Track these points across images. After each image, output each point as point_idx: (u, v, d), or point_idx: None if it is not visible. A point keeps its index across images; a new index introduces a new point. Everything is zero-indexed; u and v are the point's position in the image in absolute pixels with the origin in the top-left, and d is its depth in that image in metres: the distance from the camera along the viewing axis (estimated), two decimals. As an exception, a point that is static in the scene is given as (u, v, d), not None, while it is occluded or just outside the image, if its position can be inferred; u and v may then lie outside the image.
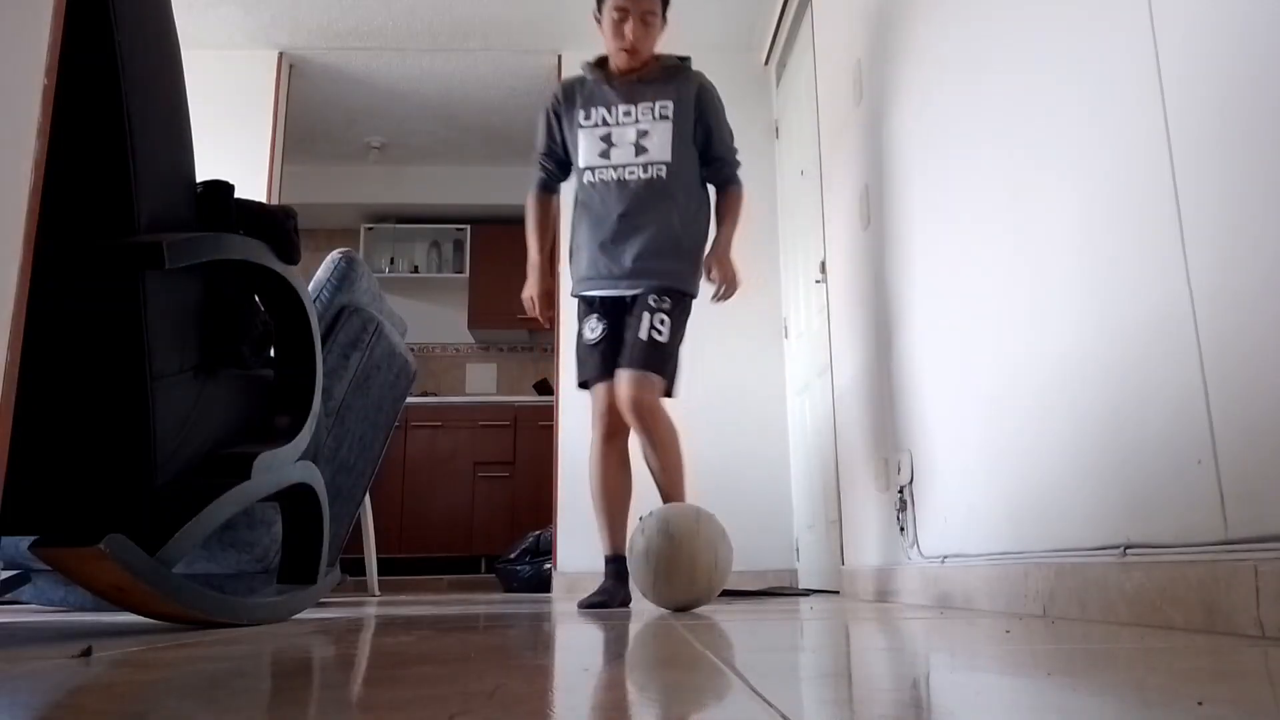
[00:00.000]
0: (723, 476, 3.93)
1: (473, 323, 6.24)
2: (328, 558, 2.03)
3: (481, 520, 5.57)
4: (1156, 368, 1.34)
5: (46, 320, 1.45)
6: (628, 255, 2.64)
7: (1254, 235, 1.13)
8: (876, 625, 1.56)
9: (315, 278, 2.47)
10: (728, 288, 2.75)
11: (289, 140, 4.89)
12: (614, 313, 2.68)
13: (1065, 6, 1.62)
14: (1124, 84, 1.42)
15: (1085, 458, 1.53)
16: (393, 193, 6.24)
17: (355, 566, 3.94)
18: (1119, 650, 1.01)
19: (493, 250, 6.18)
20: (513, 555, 4.84)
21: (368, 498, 3.36)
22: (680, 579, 2.14)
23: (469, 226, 6.36)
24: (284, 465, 1.80)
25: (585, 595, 2.54)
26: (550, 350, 5.72)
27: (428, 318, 6.46)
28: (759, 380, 4.25)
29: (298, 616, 2.02)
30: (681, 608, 2.18)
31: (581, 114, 2.76)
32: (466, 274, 6.33)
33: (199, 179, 1.74)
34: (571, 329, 2.86)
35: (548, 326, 3.04)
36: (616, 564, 2.54)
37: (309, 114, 5.28)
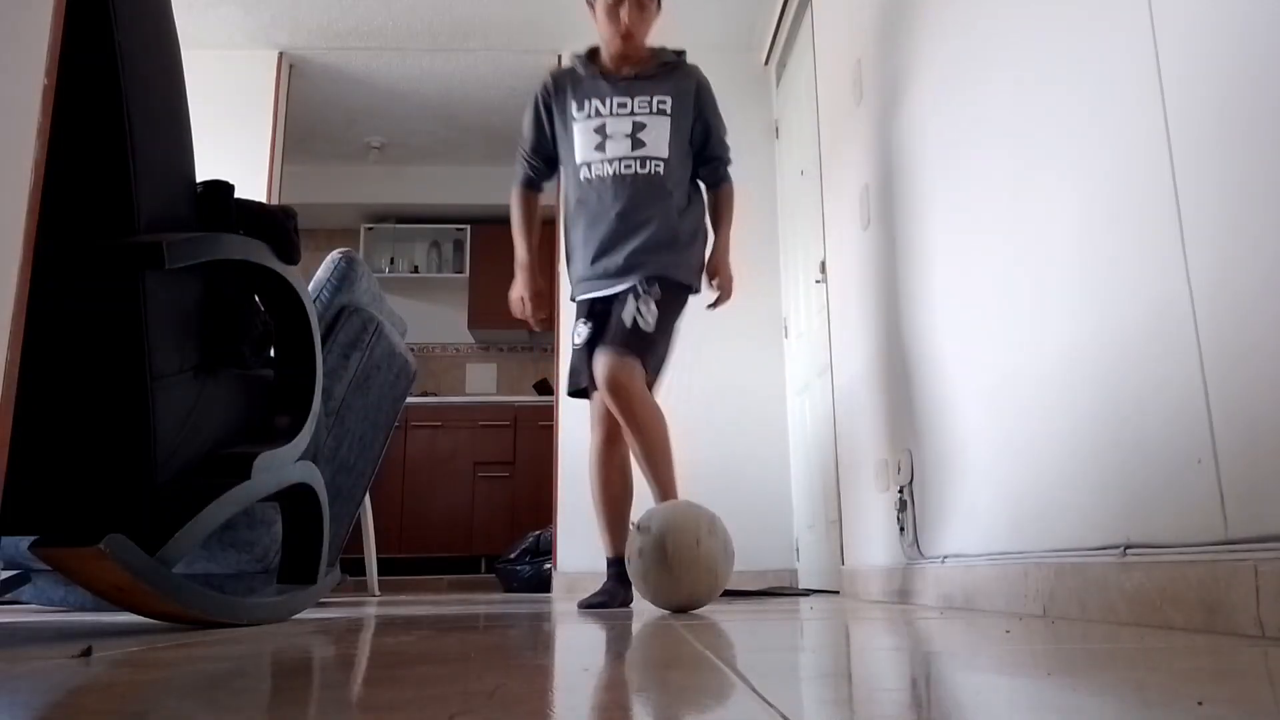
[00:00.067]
0: (723, 476, 3.93)
1: (473, 323, 6.24)
2: (328, 558, 2.03)
3: (481, 520, 5.57)
4: (1156, 367, 1.34)
5: (46, 320, 1.45)
6: (623, 253, 2.56)
7: (1254, 235, 1.13)
8: (876, 625, 1.56)
9: (315, 278, 2.47)
10: (725, 294, 2.73)
11: (289, 140, 4.89)
12: (605, 314, 2.59)
13: (1065, 6, 1.62)
14: (1124, 84, 1.42)
15: (1085, 457, 1.53)
16: (393, 193, 6.24)
17: (355, 566, 3.94)
18: (1119, 650, 1.01)
19: (493, 250, 6.18)
20: (513, 555, 4.84)
21: (368, 498, 3.37)
22: (680, 594, 2.12)
23: (469, 226, 6.36)
24: (284, 465, 1.80)
25: (586, 595, 2.54)
26: (550, 350, 5.72)
27: (428, 318, 6.46)
28: (759, 380, 4.25)
29: (298, 616, 2.02)
30: (682, 609, 2.18)
31: (574, 106, 2.65)
32: (466, 274, 6.33)
33: (199, 179, 1.74)
34: (571, 328, 2.82)
35: (538, 329, 2.96)
36: (618, 566, 2.51)
37: (309, 114, 5.28)
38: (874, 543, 2.71)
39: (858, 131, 2.92)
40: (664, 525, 2.13)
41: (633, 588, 2.29)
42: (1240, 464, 1.16)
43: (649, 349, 2.49)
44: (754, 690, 0.75)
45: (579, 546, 4.01)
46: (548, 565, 4.49)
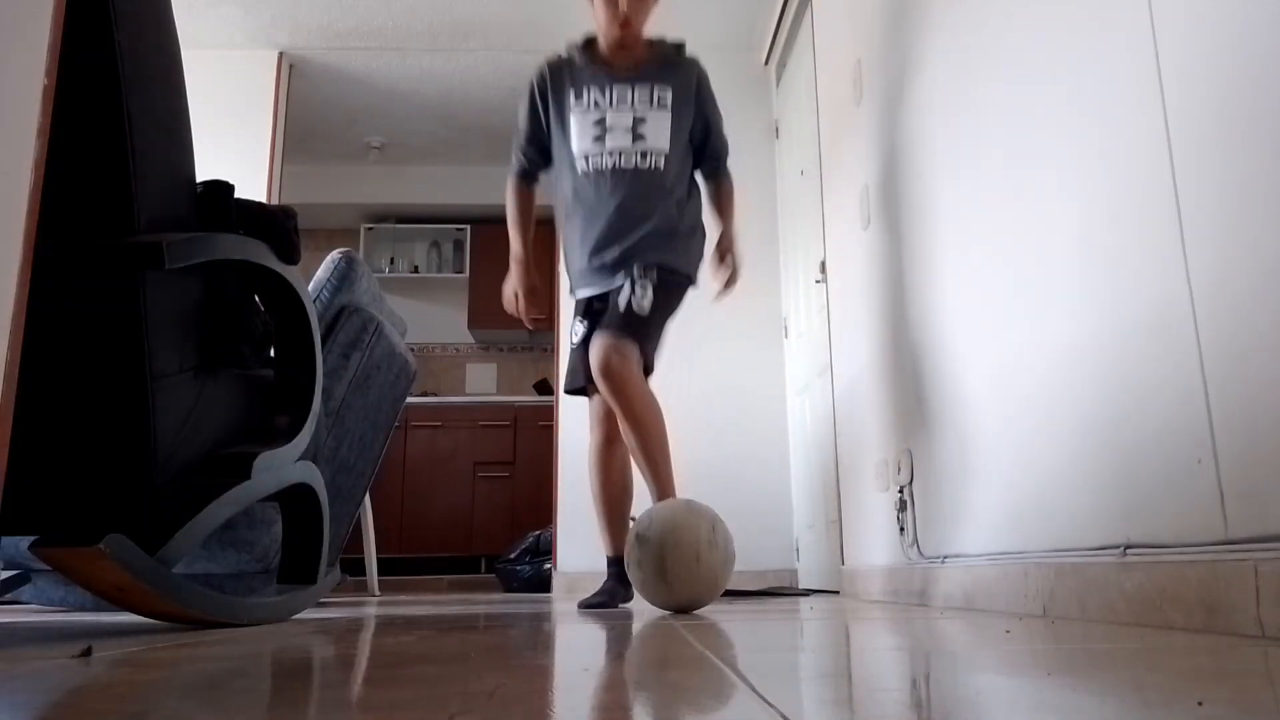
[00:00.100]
0: (723, 476, 3.94)
1: (473, 323, 6.25)
2: (328, 558, 2.03)
3: (481, 520, 5.57)
4: (1156, 367, 1.34)
5: (47, 320, 1.45)
6: (621, 247, 2.51)
7: (1253, 234, 1.13)
8: (876, 625, 1.56)
9: (315, 278, 2.47)
10: (735, 274, 2.70)
11: (289, 140, 4.89)
12: (602, 312, 2.55)
13: (1065, 6, 1.62)
14: (1124, 83, 1.42)
15: (1085, 457, 1.53)
16: (393, 193, 6.25)
17: (355, 566, 3.94)
18: (1119, 650, 1.01)
19: (493, 250, 6.18)
20: (513, 555, 4.84)
21: (368, 498, 3.37)
22: (679, 603, 2.11)
23: (469, 226, 6.37)
24: (284, 465, 1.80)
25: (586, 595, 2.54)
26: (550, 350, 5.72)
27: (428, 318, 6.46)
28: (759, 380, 4.25)
29: (298, 616, 2.02)
30: (682, 610, 2.18)
31: (572, 94, 2.58)
32: (466, 274, 6.33)
33: (199, 179, 1.74)
34: (569, 326, 2.77)
35: (531, 327, 2.88)
36: (618, 565, 2.50)
37: (309, 114, 5.28)
38: (874, 543, 2.71)
39: (858, 131, 2.92)
40: (662, 538, 2.07)
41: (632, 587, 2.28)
42: (1240, 464, 1.16)
43: (645, 333, 2.44)
44: (754, 690, 0.75)
45: (579, 546, 4.01)
46: (548, 565, 4.49)
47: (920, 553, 2.28)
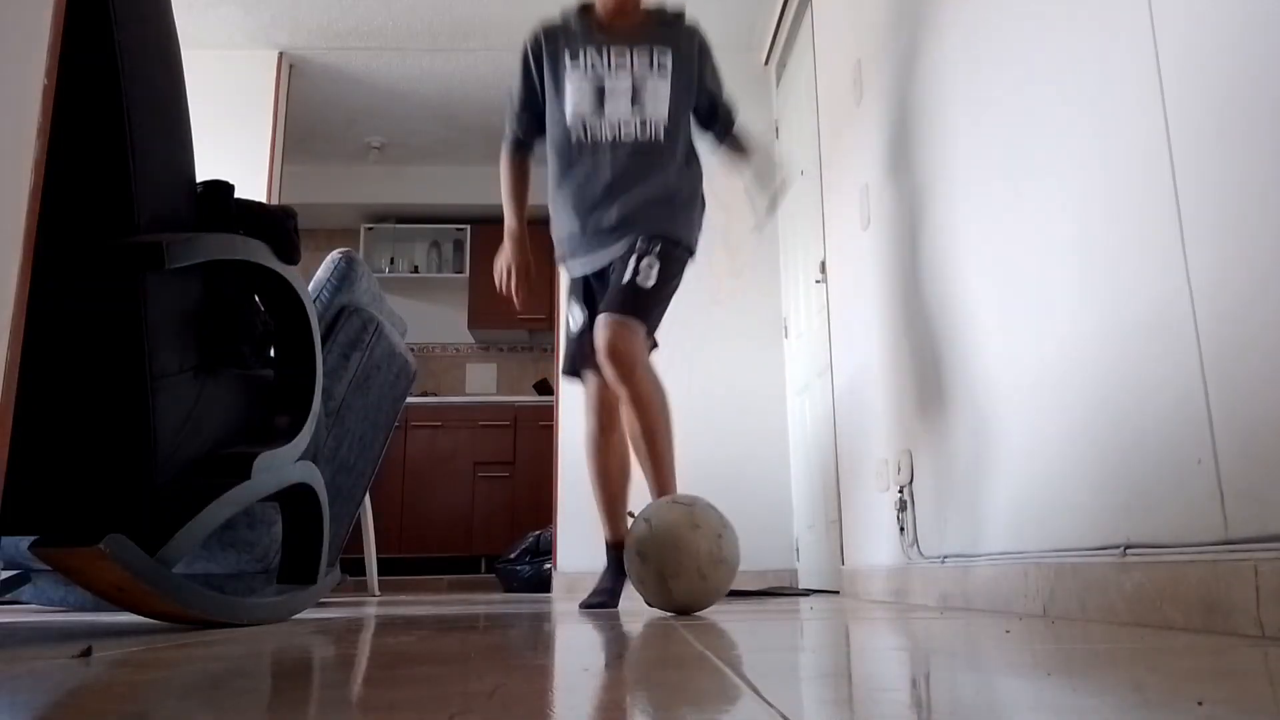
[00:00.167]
0: (723, 476, 3.93)
1: (473, 323, 6.25)
2: (328, 558, 2.03)
3: (481, 520, 5.58)
4: (1156, 366, 1.34)
5: (47, 320, 1.45)
6: (616, 210, 2.43)
7: (1253, 234, 1.13)
8: (877, 625, 1.56)
9: (315, 278, 2.47)
10: (782, 182, 2.65)
11: (289, 140, 4.89)
12: (601, 292, 2.48)
13: (1065, 6, 1.62)
14: (1124, 83, 1.42)
15: (1085, 457, 1.53)
16: (393, 193, 6.25)
17: (355, 566, 3.94)
18: (1119, 650, 1.01)
19: (493, 250, 6.09)
20: (513, 555, 4.84)
21: (368, 498, 3.37)
22: (681, 606, 2.11)
23: (469, 226, 6.37)
24: (284, 465, 1.80)
25: (585, 595, 2.54)
26: (550, 350, 5.72)
27: (428, 318, 6.46)
28: (759, 380, 4.26)
29: (298, 616, 2.02)
30: (682, 611, 2.18)
31: (568, 56, 2.48)
32: (466, 274, 6.33)
33: (199, 179, 1.74)
34: (564, 308, 2.70)
35: (519, 306, 2.76)
36: (617, 551, 2.45)
37: (309, 114, 5.29)
38: (874, 543, 2.71)
39: (858, 131, 2.92)
40: (660, 562, 2.00)
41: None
42: (1240, 464, 1.16)
43: (650, 308, 2.38)
44: (754, 690, 0.75)
45: (579, 546, 4.01)
46: (548, 565, 4.49)
47: (920, 553, 2.28)
